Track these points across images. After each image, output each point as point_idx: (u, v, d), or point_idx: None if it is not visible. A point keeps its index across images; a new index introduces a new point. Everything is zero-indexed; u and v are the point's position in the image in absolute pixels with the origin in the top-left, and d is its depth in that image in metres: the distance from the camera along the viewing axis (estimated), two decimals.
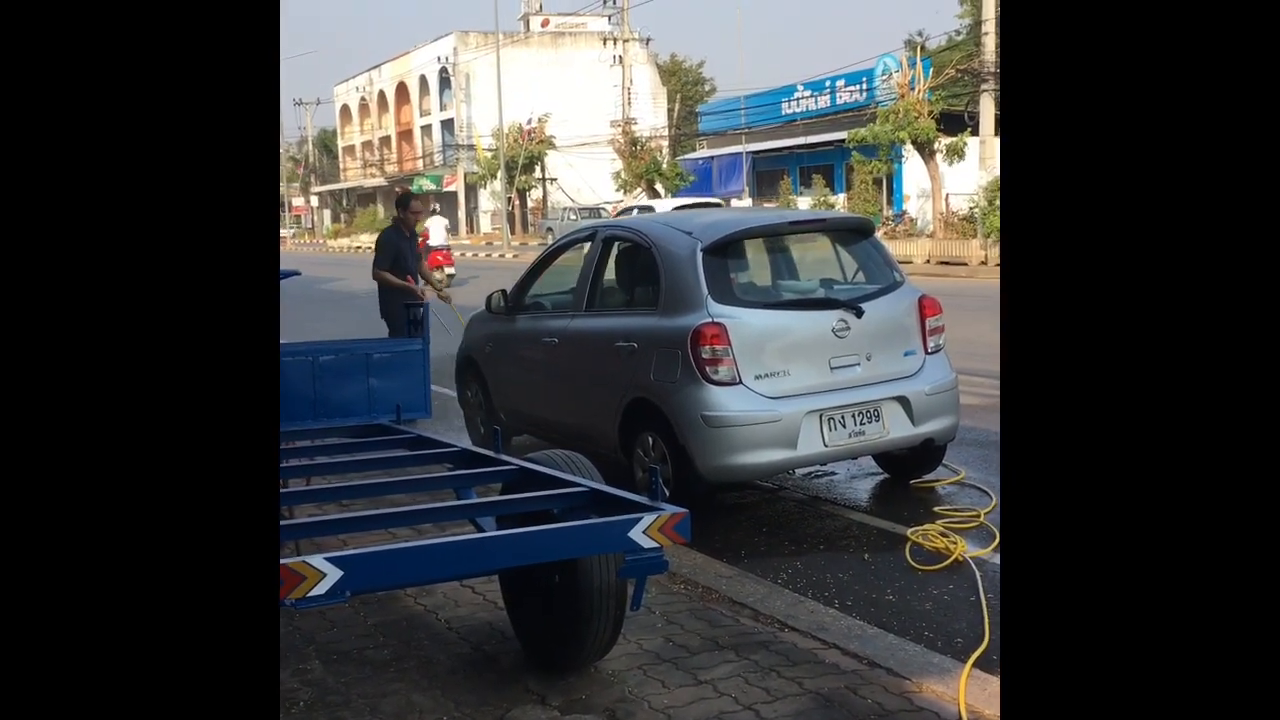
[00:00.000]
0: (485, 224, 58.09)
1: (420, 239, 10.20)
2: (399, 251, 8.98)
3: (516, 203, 52.04)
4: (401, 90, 67.13)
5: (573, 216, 40.75)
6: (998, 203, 22.94)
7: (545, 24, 61.64)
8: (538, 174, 51.55)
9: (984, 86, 26.31)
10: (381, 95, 70.05)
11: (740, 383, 5.47)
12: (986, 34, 26.55)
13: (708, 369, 5.46)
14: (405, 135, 67.64)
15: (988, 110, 26.11)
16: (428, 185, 58.09)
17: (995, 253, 23.10)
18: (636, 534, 3.09)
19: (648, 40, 60.31)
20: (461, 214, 59.24)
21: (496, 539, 3.22)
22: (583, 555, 3.38)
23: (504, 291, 7.37)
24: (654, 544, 3.11)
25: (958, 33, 49.71)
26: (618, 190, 43.17)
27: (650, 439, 5.82)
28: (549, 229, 40.22)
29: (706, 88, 73.68)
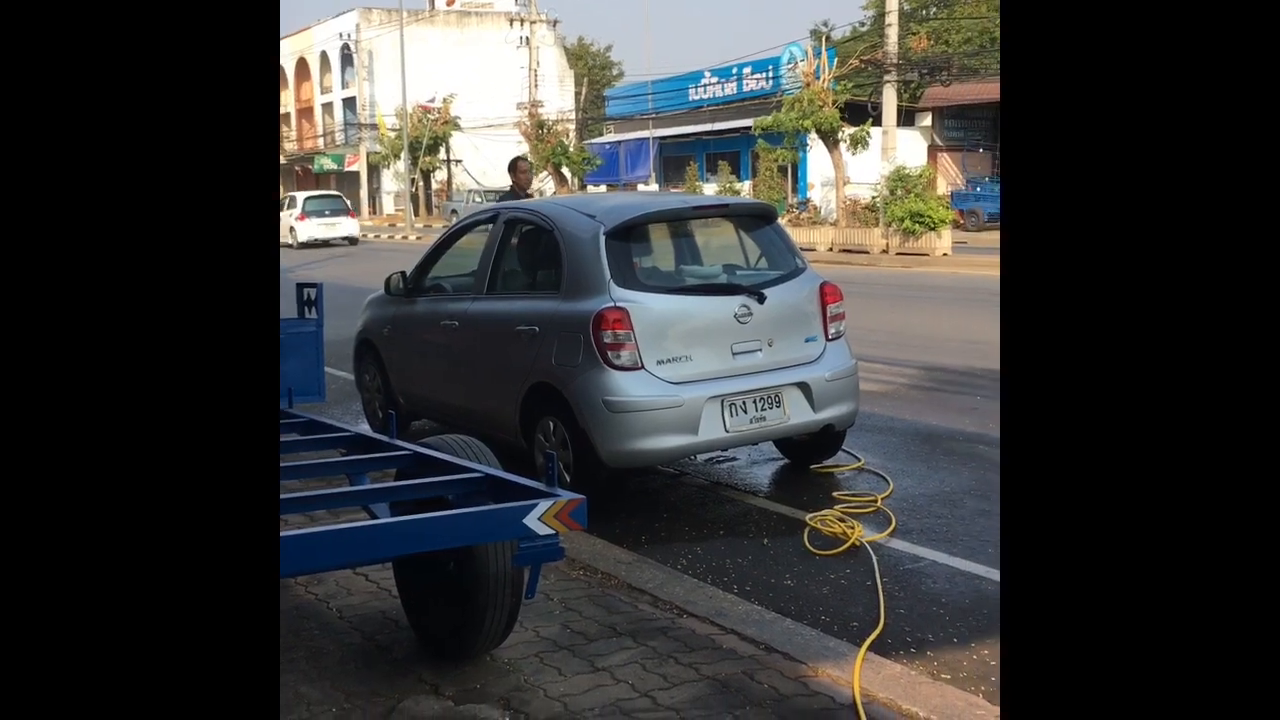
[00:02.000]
0: (389, 205, 57.16)
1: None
2: None
3: (420, 184, 51.27)
4: (302, 66, 65.54)
5: (478, 199, 40.37)
6: (899, 192, 23.37)
7: (451, 2, 60.72)
8: (442, 155, 50.83)
9: (887, 78, 26.66)
10: (281, 71, 68.29)
11: (642, 368, 5.44)
12: (890, 26, 26.91)
13: (609, 354, 5.41)
14: (306, 113, 66.08)
15: (890, 101, 26.49)
16: (329, 164, 56.89)
17: (896, 241, 23.53)
18: (532, 520, 3.03)
19: (555, 22, 59.98)
20: (364, 195, 58.19)
21: (388, 526, 3.13)
22: (477, 543, 3.31)
23: (403, 273, 7.23)
24: (549, 531, 3.06)
25: (862, 24, 50.47)
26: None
27: (551, 424, 5.76)
28: (454, 211, 39.74)
29: (614, 72, 73.61)
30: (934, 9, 50.37)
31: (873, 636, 3.97)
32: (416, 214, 48.42)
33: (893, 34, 26.84)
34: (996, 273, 15.62)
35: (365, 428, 7.54)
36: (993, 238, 28.48)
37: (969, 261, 21.43)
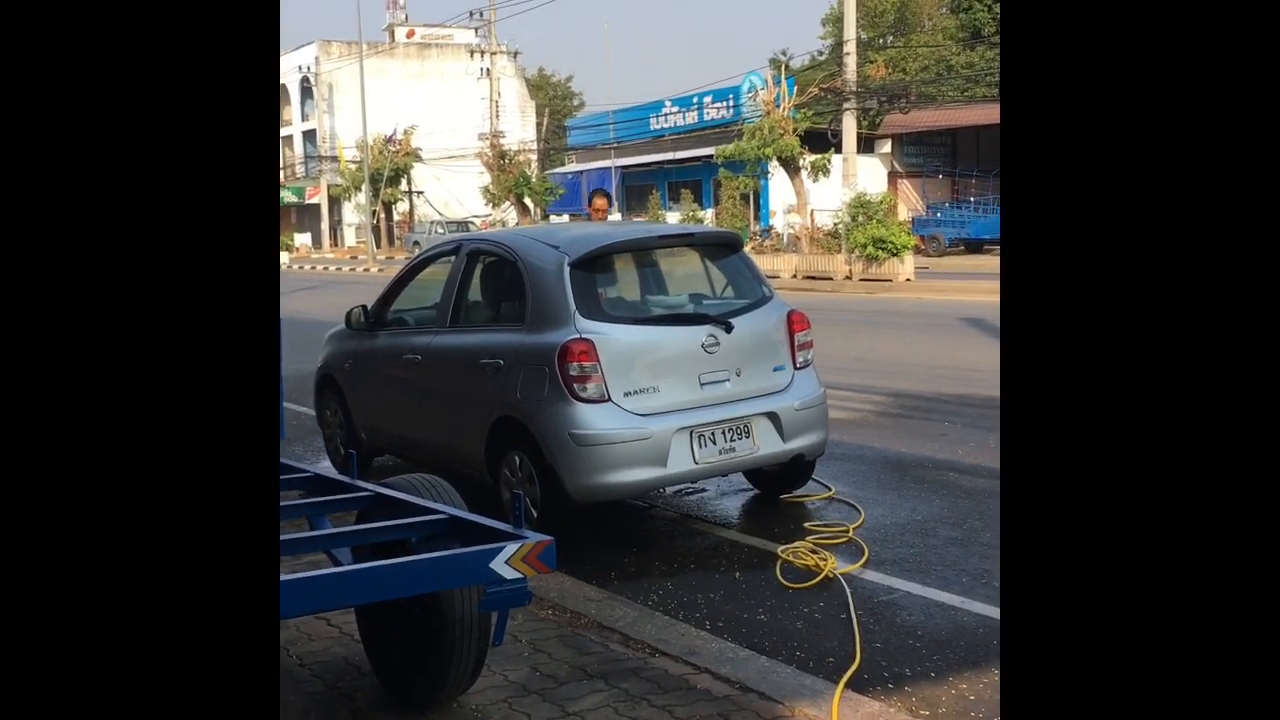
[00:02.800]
0: (350, 237, 56.88)
1: None
2: None
3: (382, 216, 51.06)
4: None
5: (440, 230, 40.23)
6: (861, 218, 23.50)
7: (411, 35, 60.76)
8: (404, 187, 50.67)
9: (846, 105, 26.87)
10: None
11: (609, 400, 5.36)
12: (848, 54, 27.14)
13: (575, 386, 5.32)
14: None
15: (850, 128, 26.67)
16: (289, 198, 56.53)
17: (859, 267, 23.63)
18: (499, 564, 2.93)
19: (515, 53, 60.11)
20: (325, 227, 57.89)
21: (349, 574, 3.01)
22: (442, 589, 3.20)
23: (365, 307, 7.11)
24: (517, 574, 2.96)
25: (820, 53, 50.98)
26: (486, 204, 42.80)
27: (517, 459, 5.66)
28: (415, 242, 39.57)
29: (575, 102, 73.88)
30: (890, 38, 51.01)
31: (849, 673, 3.89)
32: (378, 246, 48.18)
33: (851, 62, 27.07)
34: (959, 298, 15.71)
35: (327, 464, 7.39)
36: (954, 263, 28.72)
37: (932, 286, 21.55)
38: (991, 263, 27.75)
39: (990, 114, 35.27)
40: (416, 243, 39.24)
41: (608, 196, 9.68)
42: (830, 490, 6.44)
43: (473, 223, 42.81)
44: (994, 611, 4.47)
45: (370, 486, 3.87)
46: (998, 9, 43.27)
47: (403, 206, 52.47)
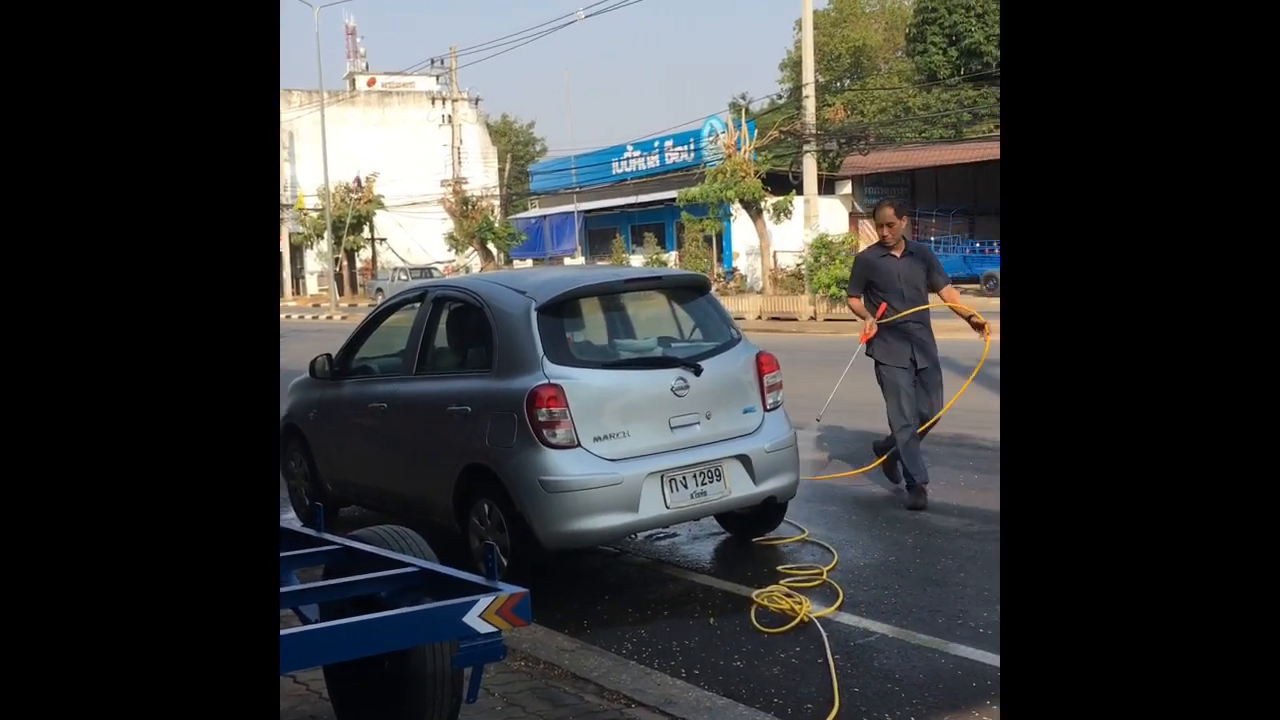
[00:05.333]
0: (312, 285, 56.52)
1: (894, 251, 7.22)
2: (872, 271, 7.27)
3: (345, 263, 50.82)
4: None
5: (403, 276, 40.07)
6: (823, 259, 23.66)
7: (372, 83, 60.85)
8: (366, 234, 50.51)
9: (806, 147, 27.14)
10: None
11: (579, 445, 5.30)
12: (807, 98, 27.46)
13: (545, 432, 5.27)
14: None
15: (810, 170, 26.93)
16: None
17: (824, 307, 23.75)
18: (472, 619, 2.86)
19: (477, 100, 60.33)
20: (287, 275, 57.54)
21: (318, 633, 2.92)
22: (414, 645, 3.12)
23: (329, 355, 7.02)
24: (492, 629, 2.89)
25: (779, 96, 51.49)
26: (450, 250, 42.73)
27: (486, 506, 5.58)
28: (379, 289, 39.38)
29: (537, 147, 74.13)
30: (847, 81, 51.72)
31: (829, 718, 3.83)
32: (341, 293, 47.89)
33: (810, 105, 27.38)
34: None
35: (292, 517, 7.27)
36: None
37: None
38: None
39: (948, 154, 35.77)
40: (379, 290, 39.05)
41: (894, 207, 7.19)
42: (805, 533, 6.40)
43: (436, 269, 42.69)
44: (972, 653, 4.44)
45: (338, 539, 3.79)
46: (952, 52, 44.10)
47: (365, 253, 52.27)
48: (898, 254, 7.21)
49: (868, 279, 7.30)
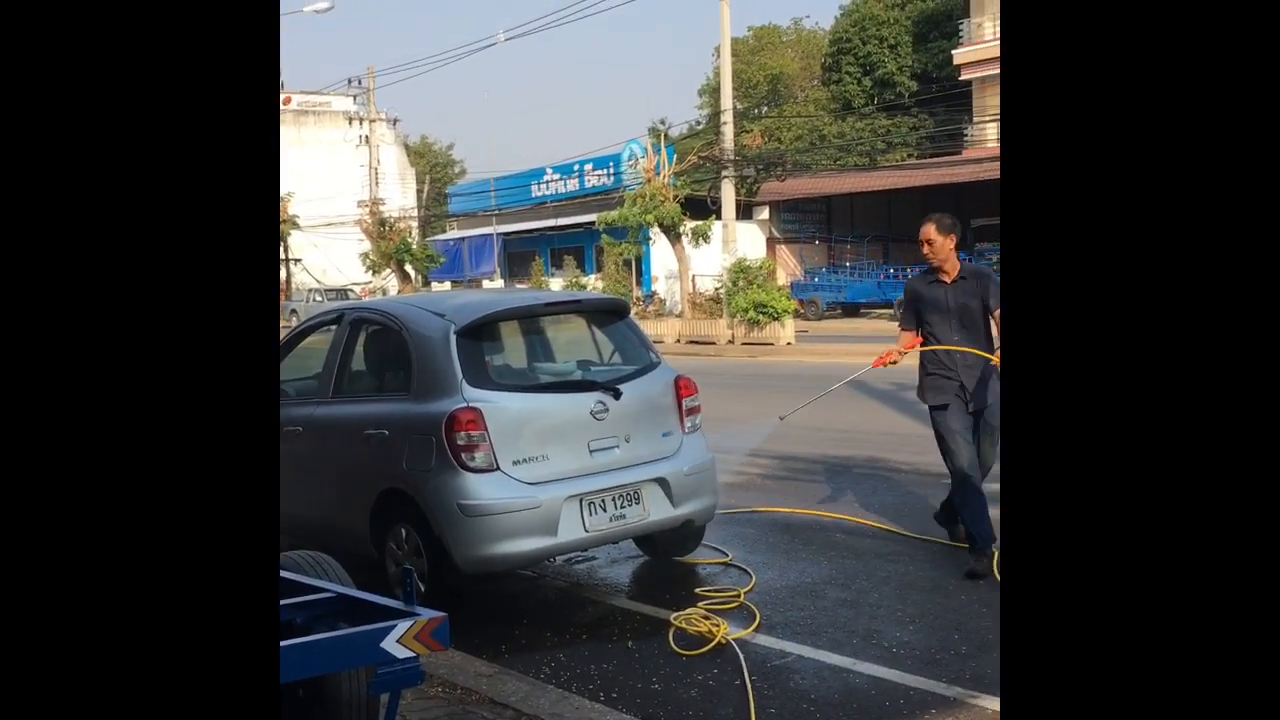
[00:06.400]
0: None
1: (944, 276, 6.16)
2: (919, 301, 6.23)
3: None
4: None
5: (318, 298, 39.50)
6: (741, 283, 23.91)
7: (288, 102, 60.05)
8: (281, 254, 49.72)
9: (724, 173, 27.44)
10: None
11: (498, 469, 5.29)
12: (725, 124, 27.78)
13: (463, 456, 5.24)
14: None
15: (729, 196, 27.21)
16: None
17: (741, 331, 23.99)
18: (390, 644, 2.84)
19: (395, 121, 59.90)
20: None
21: None
22: (331, 671, 3.09)
23: None
24: (410, 653, 2.87)
25: (698, 123, 52.04)
26: (367, 271, 42.26)
27: (404, 531, 5.53)
28: (293, 311, 38.71)
29: (457, 169, 73.74)
30: (765, 108, 52.43)
31: None
32: None
33: (728, 131, 27.69)
34: (839, 360, 15.85)
35: None
36: (833, 326, 29.37)
37: (812, 350, 21.96)
38: (869, 325, 28.48)
39: (862, 182, 36.44)
40: (294, 311, 38.39)
41: (936, 223, 6.11)
42: (727, 556, 6.43)
43: (352, 290, 42.16)
44: (884, 672, 4.52)
45: None
46: (866, 81, 45.03)
47: (280, 274, 51.46)
48: (948, 279, 6.07)
49: (917, 309, 6.21)
